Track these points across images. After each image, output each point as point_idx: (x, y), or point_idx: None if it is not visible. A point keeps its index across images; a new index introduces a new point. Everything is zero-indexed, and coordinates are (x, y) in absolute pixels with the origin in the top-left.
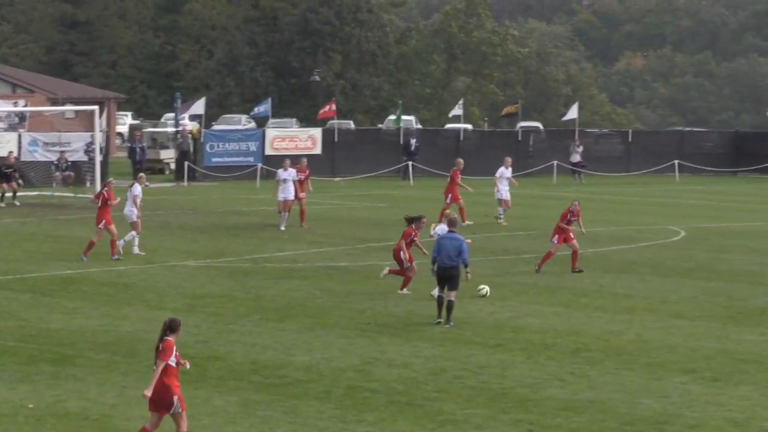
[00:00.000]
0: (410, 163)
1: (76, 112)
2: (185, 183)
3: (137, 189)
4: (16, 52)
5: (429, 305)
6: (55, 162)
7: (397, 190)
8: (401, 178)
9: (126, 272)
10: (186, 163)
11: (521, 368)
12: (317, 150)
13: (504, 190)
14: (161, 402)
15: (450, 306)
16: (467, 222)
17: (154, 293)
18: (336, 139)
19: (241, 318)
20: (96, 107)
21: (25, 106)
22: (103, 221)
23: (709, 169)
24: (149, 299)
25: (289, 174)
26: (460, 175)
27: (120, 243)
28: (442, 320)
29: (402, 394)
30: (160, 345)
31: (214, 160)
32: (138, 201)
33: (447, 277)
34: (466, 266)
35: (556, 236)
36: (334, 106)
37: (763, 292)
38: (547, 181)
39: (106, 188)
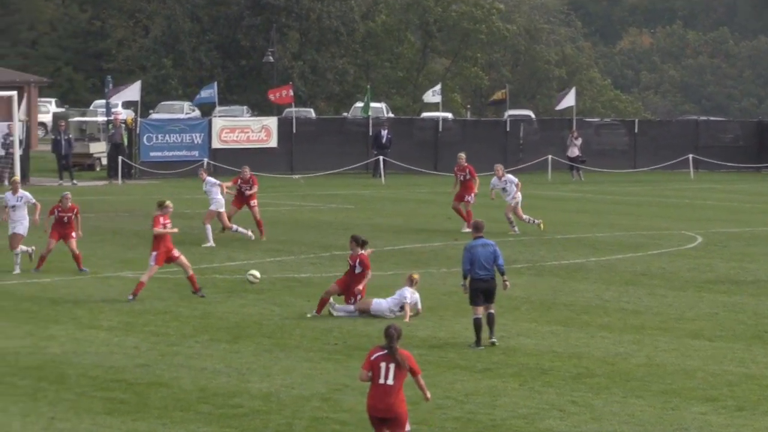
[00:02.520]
0: (381, 157)
1: None
2: (119, 181)
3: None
4: None
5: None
6: None
7: (367, 189)
8: (371, 175)
9: (52, 285)
10: (120, 158)
11: (514, 396)
12: (272, 143)
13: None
14: (394, 418)
15: (492, 319)
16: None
17: (86, 309)
18: (294, 130)
19: (187, 338)
20: (14, 93)
21: None
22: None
23: (729, 164)
24: (80, 316)
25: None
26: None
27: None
28: (483, 347)
29: None
30: (399, 358)
31: (153, 154)
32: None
33: (484, 290)
34: (503, 274)
35: None
36: (291, 92)
37: None
38: (540, 179)
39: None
